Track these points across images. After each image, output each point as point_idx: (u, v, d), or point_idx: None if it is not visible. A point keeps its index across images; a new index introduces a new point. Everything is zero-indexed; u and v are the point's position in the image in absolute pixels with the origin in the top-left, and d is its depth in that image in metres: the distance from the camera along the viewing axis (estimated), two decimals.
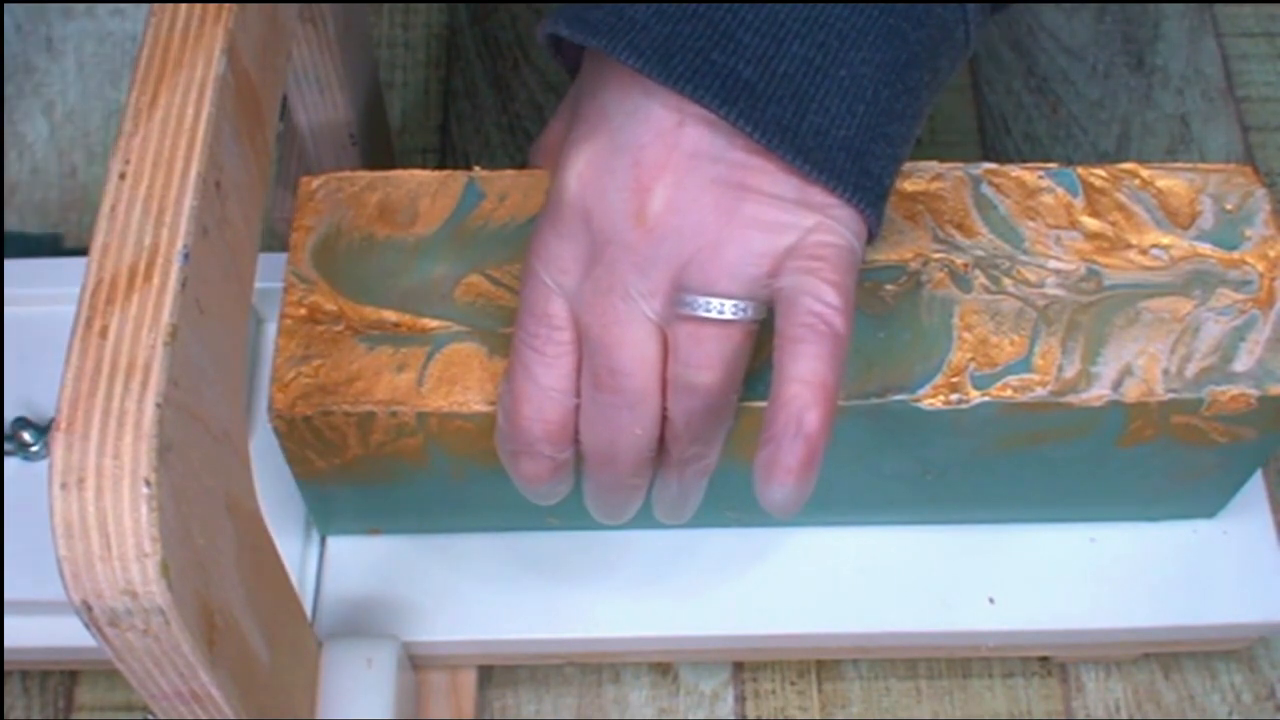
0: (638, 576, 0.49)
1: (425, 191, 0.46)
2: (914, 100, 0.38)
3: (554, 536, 0.50)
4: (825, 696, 0.53)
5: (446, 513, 0.48)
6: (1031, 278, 0.44)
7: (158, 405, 0.31)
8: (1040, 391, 0.43)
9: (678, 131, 0.37)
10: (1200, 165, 0.47)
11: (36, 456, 0.51)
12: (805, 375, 0.36)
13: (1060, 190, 0.46)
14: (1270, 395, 0.43)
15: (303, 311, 0.44)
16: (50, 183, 0.66)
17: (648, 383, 0.38)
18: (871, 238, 0.39)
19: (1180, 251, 0.45)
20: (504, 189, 0.46)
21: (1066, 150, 0.67)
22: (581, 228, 0.38)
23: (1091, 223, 0.45)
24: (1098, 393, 0.43)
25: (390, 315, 0.44)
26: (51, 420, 0.35)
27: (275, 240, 0.55)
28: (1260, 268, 0.45)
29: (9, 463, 0.51)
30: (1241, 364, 0.43)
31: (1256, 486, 0.51)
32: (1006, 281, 0.44)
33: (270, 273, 0.45)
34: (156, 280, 0.33)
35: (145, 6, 0.51)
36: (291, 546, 0.49)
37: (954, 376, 0.43)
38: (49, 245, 0.64)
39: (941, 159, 0.47)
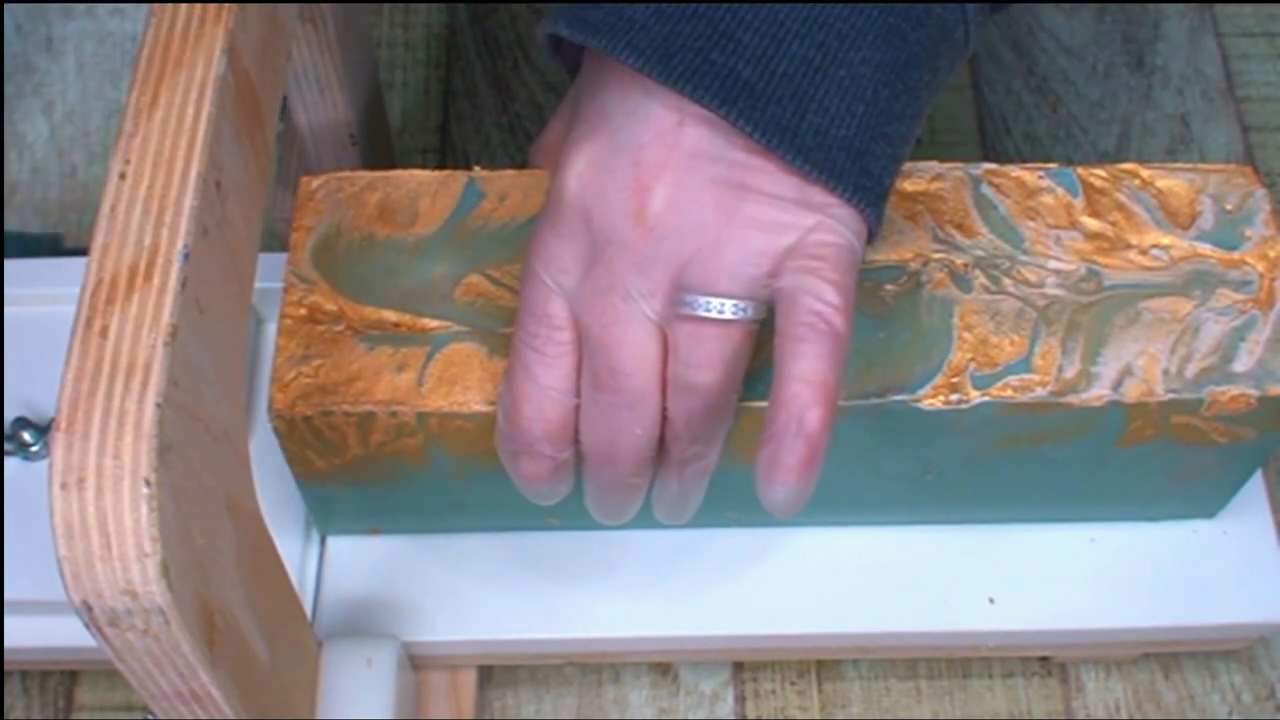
0: (638, 576, 0.49)
1: (425, 191, 0.46)
2: (914, 100, 0.38)
3: (554, 536, 0.50)
4: (825, 696, 0.53)
5: (446, 513, 0.48)
6: (1031, 278, 0.44)
7: (158, 405, 0.31)
8: (1040, 391, 0.43)
9: (677, 131, 0.37)
10: (1200, 165, 0.47)
11: (36, 456, 0.51)
12: (806, 374, 0.36)
13: (1060, 190, 0.46)
14: (1270, 395, 0.43)
15: (303, 311, 0.44)
16: (50, 183, 0.66)
17: (648, 382, 0.38)
18: (872, 237, 0.39)
19: (1180, 252, 0.45)
20: (504, 189, 0.46)
21: (1066, 150, 0.67)
22: (581, 228, 0.38)
23: (1091, 223, 0.45)
24: (1098, 393, 0.43)
25: (390, 315, 0.44)
26: (51, 420, 0.35)
27: (275, 240, 0.55)
28: (1260, 268, 0.45)
29: (9, 463, 0.51)
30: (1241, 364, 0.43)
31: (1256, 486, 0.51)
32: (1006, 281, 0.44)
33: (270, 273, 0.45)
34: (156, 280, 0.33)
35: (145, 6, 0.51)
36: (291, 546, 0.49)
37: (954, 376, 0.43)
38: (49, 245, 0.64)
39: (941, 159, 0.47)
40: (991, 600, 0.49)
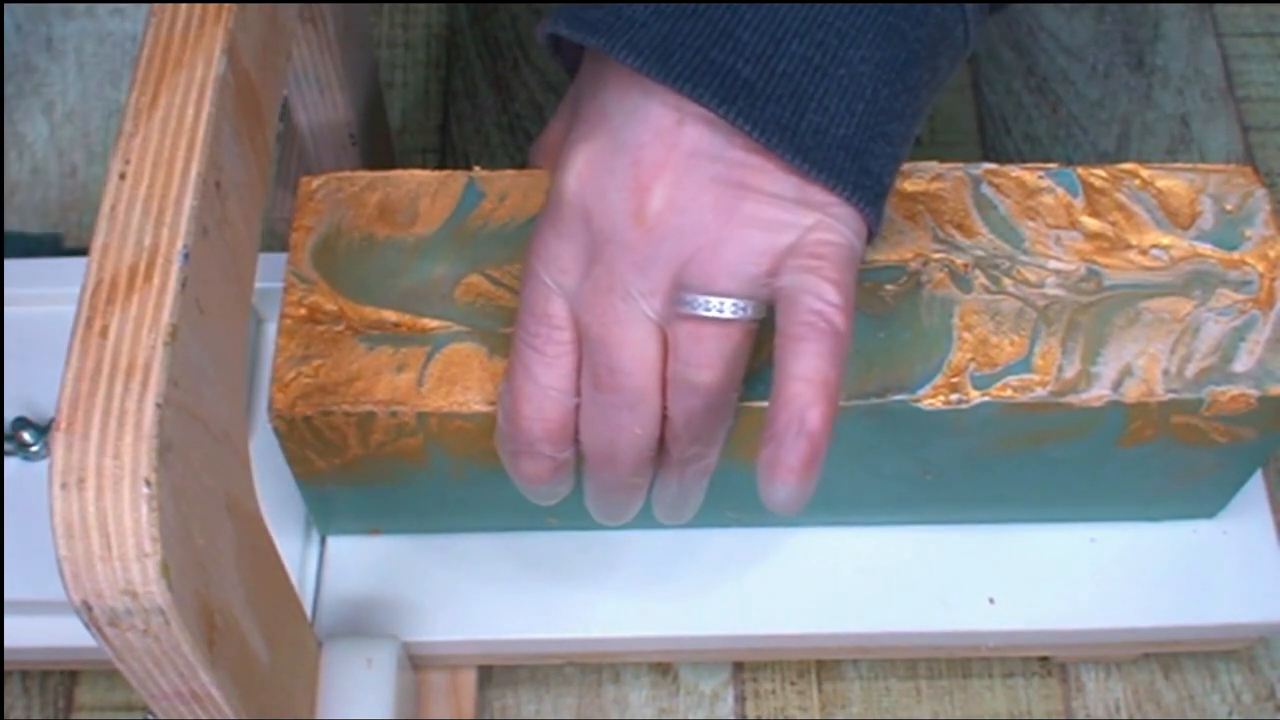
0: (638, 576, 0.49)
1: (425, 191, 0.46)
2: (913, 99, 0.38)
3: (554, 536, 0.50)
4: (825, 696, 0.53)
5: (446, 513, 0.48)
6: (1031, 278, 0.44)
7: (158, 405, 0.31)
8: (1040, 391, 0.43)
9: (677, 130, 0.37)
10: (1200, 165, 0.47)
11: (36, 456, 0.51)
12: (807, 373, 0.36)
13: (1060, 190, 0.46)
14: (1270, 395, 0.43)
15: (303, 311, 0.44)
16: (50, 183, 0.66)
17: (648, 382, 0.38)
18: (871, 236, 0.39)
19: (1180, 251, 0.45)
20: (504, 189, 0.46)
21: (1066, 150, 0.67)
22: (581, 227, 0.38)
23: (1091, 223, 0.45)
24: (1098, 393, 0.43)
25: (390, 315, 0.44)
26: (51, 420, 0.35)
27: (275, 240, 0.55)
28: (1260, 268, 0.45)
29: (9, 463, 0.51)
30: (1241, 364, 0.43)
31: (1256, 486, 0.51)
32: (1006, 281, 0.44)
33: (270, 273, 0.45)
34: (156, 280, 0.33)
35: (145, 6, 0.51)
36: (291, 546, 0.49)
37: (954, 376, 0.43)
38: (49, 245, 0.64)
39: (941, 159, 0.47)
40: (991, 600, 0.49)
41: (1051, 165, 0.46)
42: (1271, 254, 0.45)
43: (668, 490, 0.41)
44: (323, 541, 0.50)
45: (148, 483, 0.30)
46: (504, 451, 0.41)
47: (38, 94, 0.68)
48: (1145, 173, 0.46)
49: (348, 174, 0.46)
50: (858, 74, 0.37)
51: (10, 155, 0.66)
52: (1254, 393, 0.43)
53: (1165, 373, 0.43)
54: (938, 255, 0.45)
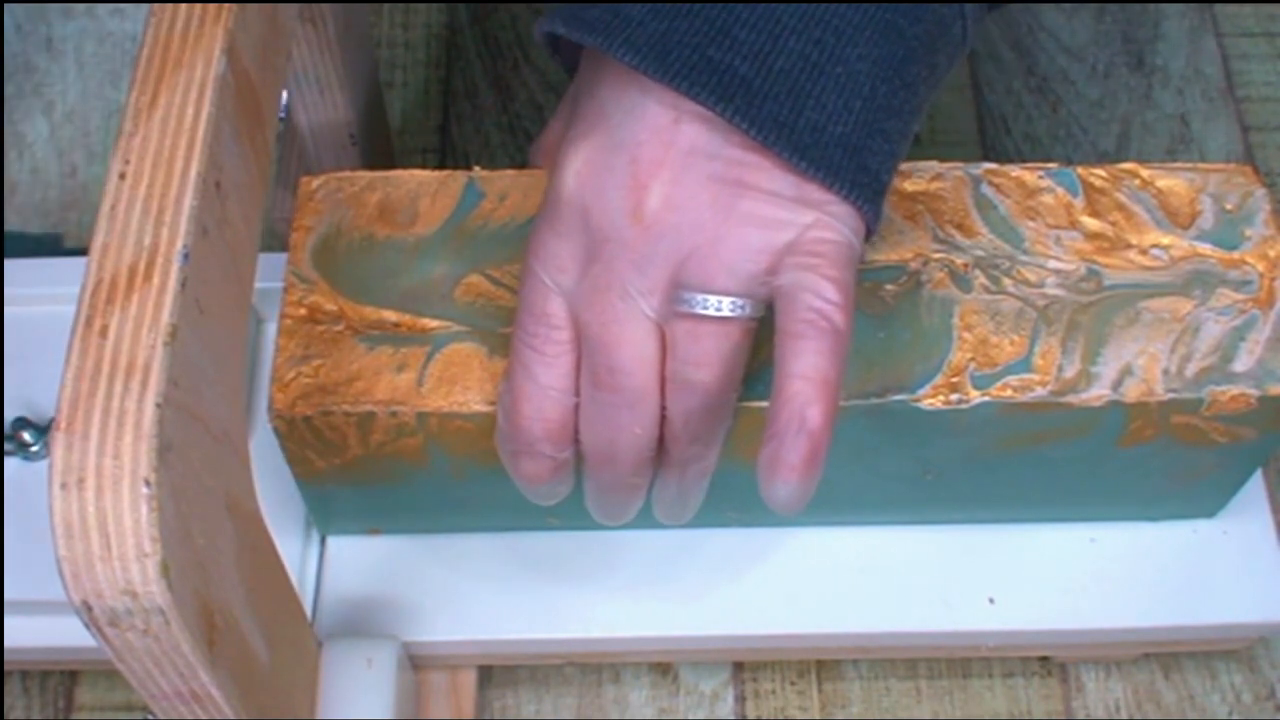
0: (638, 576, 0.49)
1: (425, 191, 0.46)
2: (912, 96, 0.38)
3: (554, 536, 0.50)
4: (825, 696, 0.53)
5: (446, 513, 0.48)
6: (1031, 278, 0.44)
7: (158, 405, 0.31)
8: (1040, 391, 0.43)
9: (674, 129, 0.37)
10: (1200, 165, 0.47)
11: (36, 456, 0.51)
12: (807, 371, 0.36)
13: (1060, 190, 0.46)
14: (1270, 395, 0.43)
15: (303, 311, 0.44)
16: (50, 183, 0.66)
17: (647, 381, 0.38)
18: (870, 234, 0.39)
19: (1180, 251, 0.45)
20: (504, 189, 0.46)
21: (1066, 150, 0.67)
22: (579, 226, 0.38)
23: (1091, 223, 0.45)
24: (1098, 393, 0.43)
25: (390, 315, 0.44)
26: (51, 420, 0.35)
27: (275, 240, 0.55)
28: (1260, 268, 0.45)
29: (9, 463, 0.51)
30: (1241, 364, 0.43)
31: (1256, 486, 0.51)
32: (1006, 281, 0.44)
33: (270, 273, 0.45)
34: (156, 280, 0.33)
35: (145, 6, 0.51)
36: (291, 546, 0.49)
37: (954, 376, 0.43)
38: (49, 245, 0.64)
39: (941, 159, 0.47)
40: (991, 600, 0.49)
41: (1051, 165, 0.46)
42: (1271, 254, 0.45)
43: (668, 490, 0.41)
44: (323, 541, 0.50)
45: (148, 483, 0.30)
46: (504, 451, 0.41)
47: (38, 94, 0.68)
48: (1145, 172, 0.46)
49: (348, 174, 0.46)
50: (855, 71, 0.37)
51: (10, 155, 0.66)
52: (1254, 392, 0.43)
53: (1165, 372, 0.43)
54: (938, 255, 0.45)
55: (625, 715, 0.52)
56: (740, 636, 0.49)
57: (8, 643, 0.48)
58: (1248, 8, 0.71)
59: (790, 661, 0.53)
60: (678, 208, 0.37)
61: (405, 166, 0.48)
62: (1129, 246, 0.45)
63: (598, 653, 0.51)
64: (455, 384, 0.42)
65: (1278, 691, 0.53)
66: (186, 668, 0.33)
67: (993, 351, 0.43)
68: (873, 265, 0.44)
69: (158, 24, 0.37)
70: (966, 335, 0.43)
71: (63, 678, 0.53)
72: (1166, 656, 0.54)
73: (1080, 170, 0.46)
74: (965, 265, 0.44)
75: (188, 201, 0.34)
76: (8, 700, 0.53)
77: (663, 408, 0.39)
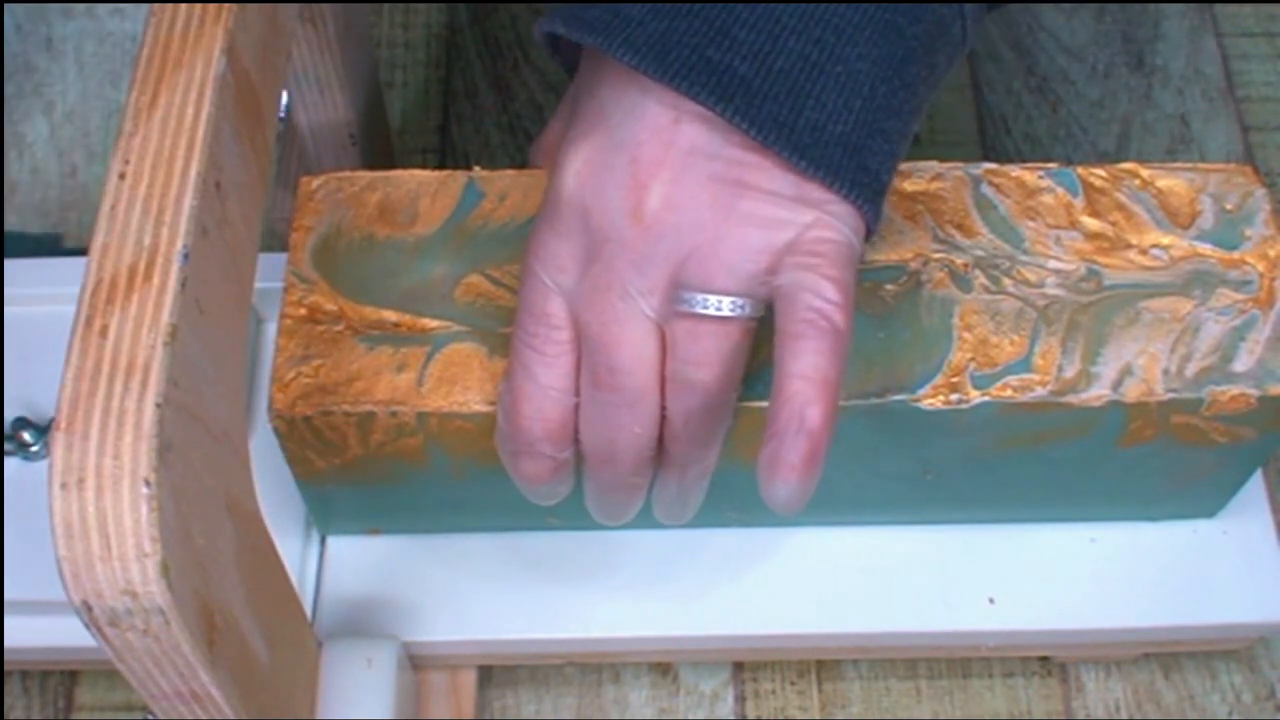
0: (638, 576, 0.49)
1: (425, 191, 0.46)
2: (911, 96, 0.38)
3: (554, 536, 0.50)
4: (825, 696, 0.53)
5: (446, 513, 0.48)
6: (1031, 278, 0.44)
7: (158, 405, 0.31)
8: (1040, 391, 0.43)
9: (674, 129, 0.37)
10: (1200, 165, 0.47)
11: (36, 456, 0.51)
12: (806, 371, 0.36)
13: (1060, 190, 0.46)
14: (1270, 395, 0.43)
15: (303, 311, 0.44)
16: (50, 183, 0.66)
17: (647, 381, 0.38)
18: (870, 234, 0.39)
19: (1180, 251, 0.45)
20: (504, 189, 0.46)
21: (1066, 150, 0.67)
22: (579, 226, 0.38)
23: (1091, 223, 0.45)
24: (1098, 393, 0.43)
25: (390, 315, 0.44)
26: (51, 420, 0.35)
27: (275, 240, 0.55)
28: (1260, 268, 0.45)
29: (9, 463, 0.51)
30: (1241, 364, 0.43)
31: (1256, 486, 0.51)
32: (1006, 281, 0.44)
33: (270, 273, 0.45)
34: (156, 280, 0.33)
35: (145, 6, 0.51)
36: (291, 546, 0.49)
37: (954, 376, 0.43)
38: (49, 245, 0.64)
39: (941, 159, 0.47)
40: (991, 600, 0.49)
41: (1051, 165, 0.46)
42: (1271, 254, 0.45)
43: (668, 490, 0.41)
44: (323, 541, 0.50)
45: (148, 483, 0.30)
46: (504, 451, 0.41)
47: (38, 94, 0.68)
48: (1145, 172, 0.46)
49: (348, 174, 0.46)
50: (855, 71, 0.37)
51: (10, 155, 0.66)
52: (1254, 392, 0.43)
53: (1165, 372, 0.43)
54: (938, 255, 0.45)
55: (625, 715, 0.52)
56: (740, 636, 0.49)
57: (8, 643, 0.48)
58: (1248, 8, 0.71)
59: (790, 661, 0.53)
60: (678, 208, 0.37)
61: (405, 166, 0.48)
62: (1129, 246, 0.45)
63: (598, 653, 0.51)
64: (455, 384, 0.42)
65: (1278, 691, 0.53)
66: (186, 668, 0.33)
67: (993, 351, 0.43)
68: (873, 265, 0.44)
69: (158, 24, 0.37)
70: (966, 335, 0.43)
71: (63, 678, 0.53)
72: (1166, 656, 0.54)
73: (1080, 170, 0.46)
74: (965, 265, 0.44)
75: (188, 201, 0.34)
76: (8, 700, 0.53)
77: (663, 408, 0.39)
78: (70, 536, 0.30)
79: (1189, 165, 0.47)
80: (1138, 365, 0.43)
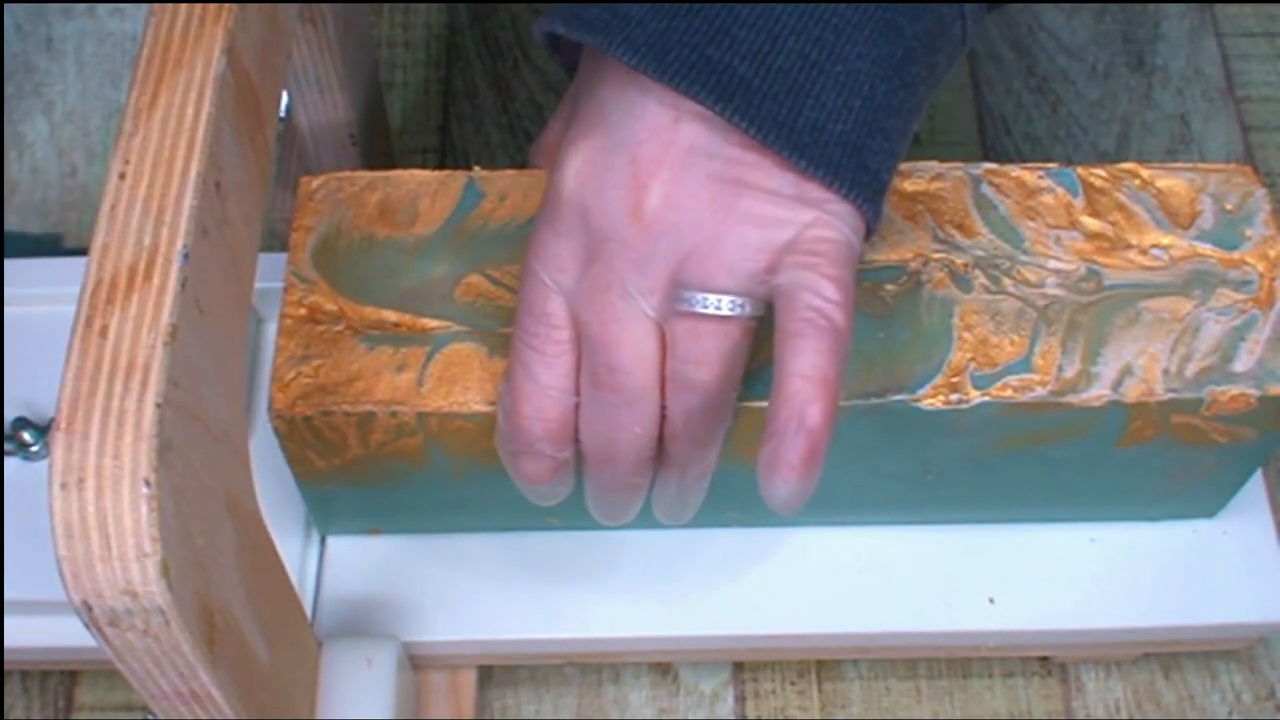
0: (638, 576, 0.49)
1: (425, 191, 0.46)
2: (911, 95, 0.38)
3: (554, 536, 0.50)
4: (825, 696, 0.53)
5: (446, 513, 0.48)
6: (1031, 278, 0.44)
7: (158, 405, 0.31)
8: (1040, 391, 0.43)
9: (674, 128, 0.37)
10: (1200, 165, 0.47)
11: (36, 456, 0.51)
12: (806, 370, 0.36)
13: (1060, 190, 0.46)
14: (1270, 395, 0.43)
15: (303, 311, 0.44)
16: (50, 183, 0.66)
17: (647, 380, 0.38)
18: (870, 233, 0.39)
19: (1180, 251, 0.45)
20: (504, 189, 0.46)
21: (1066, 150, 0.67)
22: (579, 225, 0.38)
23: (1091, 223, 0.45)
24: (1098, 393, 0.43)
25: (390, 315, 0.44)
26: (51, 420, 0.35)
27: (275, 240, 0.55)
28: (1260, 268, 0.45)
29: (9, 463, 0.51)
30: (1241, 364, 0.43)
31: (1256, 486, 0.51)
32: (1006, 281, 0.44)
33: (270, 273, 0.45)
34: (156, 280, 0.33)
35: (145, 6, 0.51)
36: (291, 546, 0.49)
37: (954, 376, 0.43)
38: (49, 245, 0.64)
39: (941, 159, 0.47)
40: (991, 600, 0.49)
41: (1051, 165, 0.46)
42: (1271, 254, 0.45)
43: (668, 490, 0.41)
44: (323, 541, 0.50)
45: (148, 483, 0.30)
46: (504, 451, 0.41)
47: (38, 94, 0.68)
48: (1145, 173, 0.46)
49: (348, 174, 0.46)
50: (855, 70, 0.37)
51: (10, 155, 0.66)
52: (1254, 392, 0.43)
53: (1165, 372, 0.43)
54: (938, 255, 0.45)
55: (625, 715, 0.52)
56: (740, 636, 0.49)
57: (8, 643, 0.48)
58: (1248, 8, 0.71)
59: (790, 661, 0.53)
60: (677, 207, 0.37)
61: (405, 166, 0.48)
62: (1129, 246, 0.45)
63: (598, 653, 0.51)
64: (455, 384, 0.42)
65: (1278, 691, 0.53)
66: (186, 668, 0.33)
67: (993, 351, 0.43)
68: (873, 265, 0.44)
69: (158, 24, 0.37)
70: (966, 335, 0.43)
71: (63, 678, 0.53)
72: (1166, 656, 0.54)
73: (1080, 170, 0.46)
74: (965, 265, 0.44)
75: (188, 201, 0.34)
76: (8, 700, 0.53)
77: (663, 407, 0.39)
78: (70, 536, 0.30)
79: (1189, 165, 0.47)
80: (1138, 365, 0.43)
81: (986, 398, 0.42)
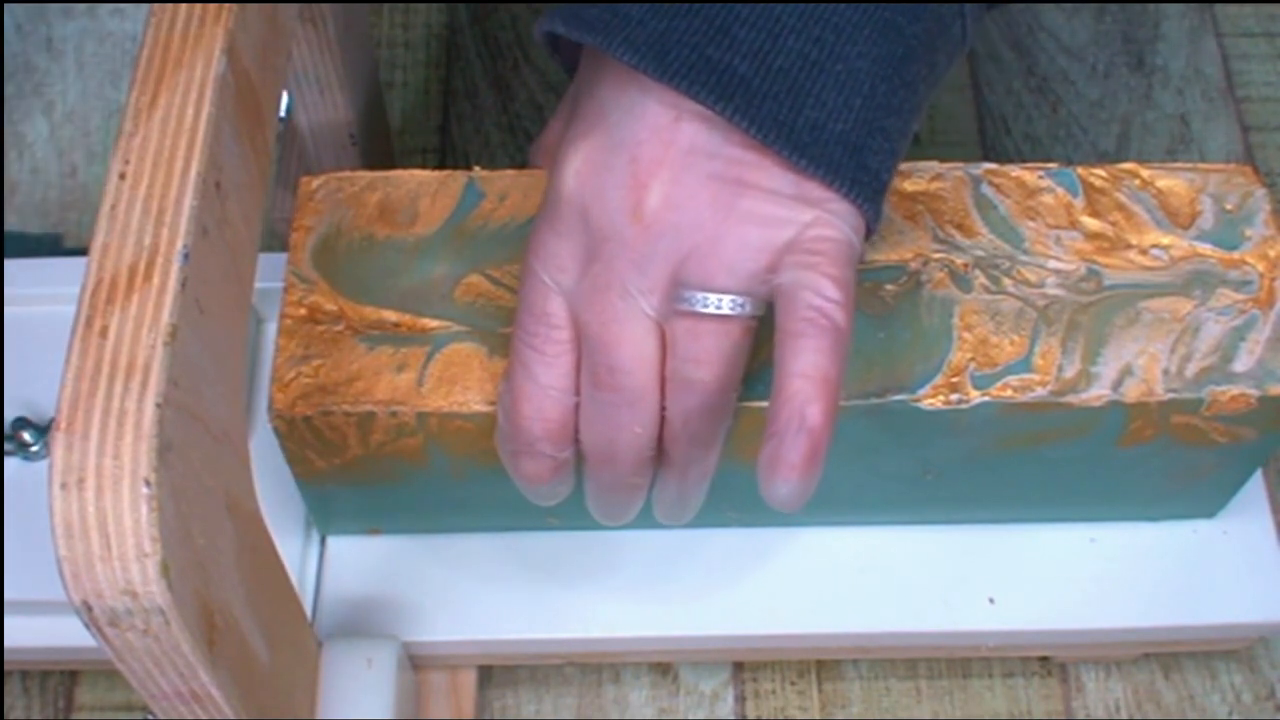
0: (638, 576, 0.49)
1: (425, 191, 0.46)
2: (911, 95, 0.38)
3: (554, 536, 0.50)
4: (825, 696, 0.53)
5: (446, 513, 0.48)
6: (1031, 278, 0.44)
7: (158, 405, 0.31)
8: (1040, 391, 0.43)
9: (674, 128, 0.37)
10: (1200, 165, 0.47)
11: (36, 456, 0.51)
12: (807, 370, 0.36)
13: (1060, 190, 0.46)
14: (1270, 395, 0.43)
15: (303, 311, 0.44)
16: (50, 183, 0.66)
17: (647, 380, 0.38)
18: (870, 233, 0.39)
19: (1180, 251, 0.45)
20: (504, 189, 0.46)
21: (1066, 150, 0.67)
22: (579, 225, 0.38)
23: (1091, 223, 0.45)
24: (1098, 393, 0.43)
25: (390, 315, 0.44)
26: (51, 420, 0.35)
27: (275, 240, 0.55)
28: (1260, 268, 0.45)
29: (9, 463, 0.51)
30: (1241, 364, 0.43)
31: (1256, 486, 0.51)
32: (1006, 281, 0.44)
33: (270, 273, 0.45)
34: (156, 280, 0.33)
35: (145, 6, 0.51)
36: (291, 546, 0.49)
37: (954, 376, 0.43)
38: (49, 245, 0.64)
39: (941, 159, 0.47)
40: (991, 600, 0.49)
41: (1051, 165, 0.46)
42: (1271, 254, 0.45)
43: (668, 491, 0.41)
44: (323, 541, 0.50)
45: (148, 483, 0.30)
46: (504, 451, 0.41)
47: (38, 94, 0.68)
48: (1145, 173, 0.46)
49: (348, 174, 0.46)
50: (855, 70, 0.37)
51: (10, 155, 0.66)
52: (1254, 393, 0.43)
53: (1165, 372, 0.43)
54: (938, 255, 0.45)
55: (625, 715, 0.52)
56: (740, 636, 0.49)
57: (8, 643, 0.48)
58: (1248, 8, 0.71)
59: (790, 661, 0.53)
60: (677, 206, 0.37)
61: (405, 166, 0.48)
62: (1129, 246, 0.45)
63: (598, 653, 0.51)
64: (455, 384, 0.42)
65: (1278, 691, 0.53)
66: (186, 668, 0.33)
67: (993, 351, 0.43)
68: (873, 265, 0.44)
69: (158, 24, 0.37)
70: (966, 335, 0.43)
71: (63, 678, 0.53)
72: (1166, 656, 0.54)
73: (1080, 170, 0.46)
74: (965, 265, 0.44)
75: (188, 201, 0.34)
76: (8, 700, 0.53)
77: (663, 407, 0.39)
78: (70, 536, 0.30)
79: (1189, 165, 0.47)
80: (1138, 365, 0.43)
81: (986, 398, 0.42)
